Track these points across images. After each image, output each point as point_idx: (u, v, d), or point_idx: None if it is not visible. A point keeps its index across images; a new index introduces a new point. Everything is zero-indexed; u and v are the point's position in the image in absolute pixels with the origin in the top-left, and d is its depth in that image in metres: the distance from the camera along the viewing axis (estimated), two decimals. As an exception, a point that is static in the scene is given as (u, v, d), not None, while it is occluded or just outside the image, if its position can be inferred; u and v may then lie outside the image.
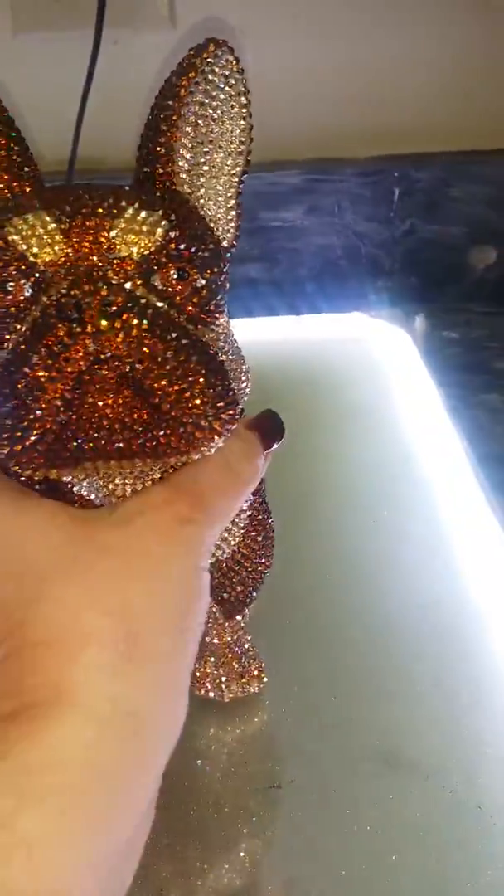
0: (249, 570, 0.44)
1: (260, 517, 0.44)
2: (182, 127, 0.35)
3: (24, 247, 0.31)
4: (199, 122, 0.36)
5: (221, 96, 0.36)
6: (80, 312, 0.29)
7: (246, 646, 0.51)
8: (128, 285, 0.31)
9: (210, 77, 0.35)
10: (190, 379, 0.31)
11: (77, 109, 0.81)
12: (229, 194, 0.38)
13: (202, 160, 0.37)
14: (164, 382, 0.30)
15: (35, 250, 0.31)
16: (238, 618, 0.49)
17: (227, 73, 0.36)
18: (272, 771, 0.46)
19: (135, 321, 0.30)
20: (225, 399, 0.32)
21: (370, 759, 0.47)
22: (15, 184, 0.35)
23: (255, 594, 0.47)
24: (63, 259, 0.31)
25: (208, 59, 0.35)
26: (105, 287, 0.30)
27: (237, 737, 0.49)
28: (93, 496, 0.34)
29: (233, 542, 0.43)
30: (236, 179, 0.38)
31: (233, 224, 0.38)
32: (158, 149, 0.36)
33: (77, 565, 0.29)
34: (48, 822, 0.24)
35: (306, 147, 0.90)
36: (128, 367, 0.30)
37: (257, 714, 0.50)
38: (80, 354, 0.29)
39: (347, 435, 0.74)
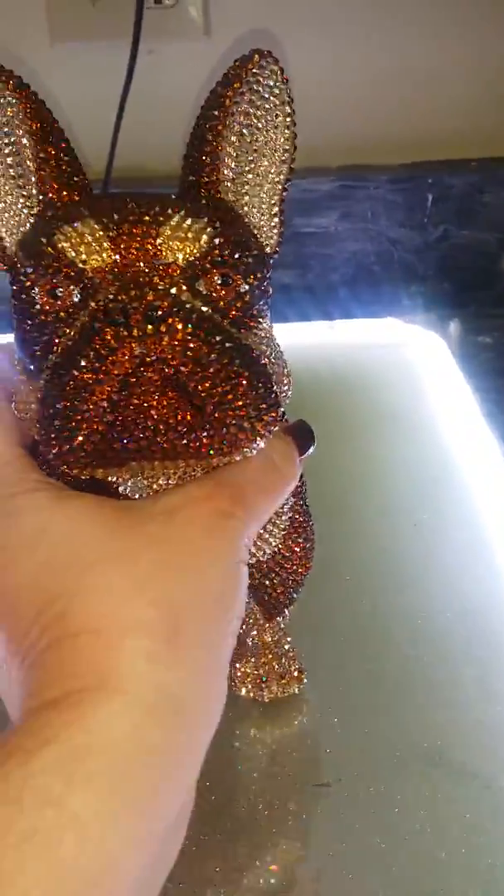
0: (290, 571, 0.45)
1: (300, 519, 0.44)
2: (227, 136, 0.36)
3: (73, 254, 0.32)
4: (244, 131, 0.37)
5: (266, 106, 0.36)
6: (126, 317, 0.30)
7: (286, 647, 0.51)
8: (173, 290, 0.31)
9: (255, 87, 0.36)
10: (233, 381, 0.31)
11: (114, 118, 0.83)
12: (273, 201, 0.38)
13: (247, 168, 0.37)
14: (207, 385, 0.31)
15: (84, 257, 0.32)
16: (279, 619, 0.49)
17: (271, 83, 0.36)
18: (318, 770, 0.46)
19: (179, 325, 0.30)
20: (267, 401, 0.32)
21: (416, 759, 0.47)
22: (65, 193, 0.36)
23: (295, 596, 0.47)
24: (110, 265, 0.32)
25: (253, 70, 0.35)
26: (151, 292, 0.30)
27: (278, 737, 0.49)
28: (136, 496, 0.35)
29: (273, 543, 0.43)
30: (280, 187, 0.38)
31: (276, 231, 0.39)
32: (204, 158, 0.36)
33: (123, 555, 0.30)
34: (97, 803, 0.25)
35: (340, 154, 0.90)
36: (172, 370, 0.30)
37: (298, 717, 0.50)
38: (127, 357, 0.30)
39: (384, 439, 0.74)
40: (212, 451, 0.32)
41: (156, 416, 0.31)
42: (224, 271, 0.33)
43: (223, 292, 0.33)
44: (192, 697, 0.29)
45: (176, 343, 0.30)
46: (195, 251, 0.32)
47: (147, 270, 0.32)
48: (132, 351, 0.30)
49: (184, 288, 0.32)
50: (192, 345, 0.30)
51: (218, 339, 0.31)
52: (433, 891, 0.41)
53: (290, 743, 0.48)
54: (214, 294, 0.33)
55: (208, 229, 0.33)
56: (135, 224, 0.32)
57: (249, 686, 0.51)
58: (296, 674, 0.51)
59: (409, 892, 0.41)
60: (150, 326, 0.30)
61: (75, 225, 0.32)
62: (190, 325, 0.30)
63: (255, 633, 0.50)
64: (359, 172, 0.90)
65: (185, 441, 0.31)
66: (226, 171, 0.37)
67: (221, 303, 0.33)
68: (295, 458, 0.36)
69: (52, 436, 0.31)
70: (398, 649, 0.53)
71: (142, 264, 0.32)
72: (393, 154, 0.90)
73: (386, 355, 0.87)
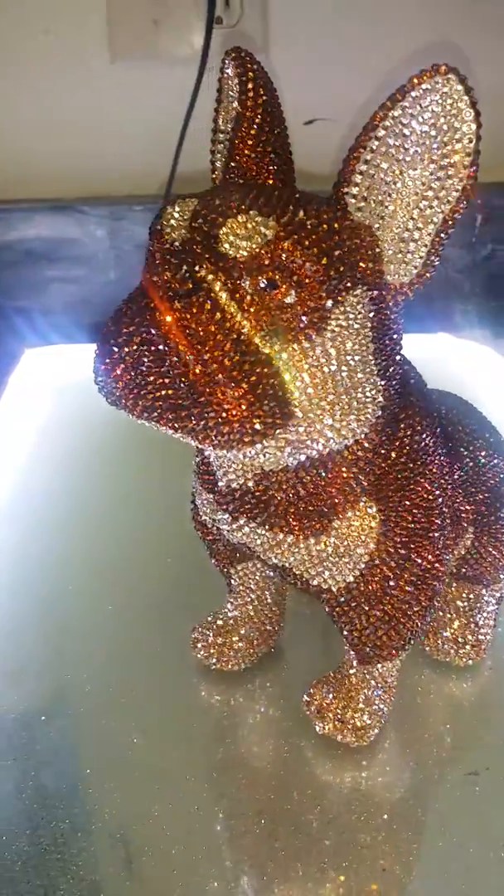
0: (364, 612, 0.41)
1: (386, 560, 0.40)
2: (370, 147, 0.34)
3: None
4: (392, 144, 0.34)
5: (425, 127, 0.33)
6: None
7: (371, 703, 0.45)
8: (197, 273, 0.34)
9: (421, 104, 0.32)
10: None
11: (169, 134, 0.83)
12: (418, 235, 0.35)
13: (383, 189, 0.34)
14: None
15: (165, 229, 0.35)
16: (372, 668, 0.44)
17: (443, 104, 0.32)
18: (467, 759, 0.46)
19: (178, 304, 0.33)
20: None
21: None
22: None
23: (380, 644, 0.42)
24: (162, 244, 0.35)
25: (424, 86, 0.32)
26: (167, 272, 0.34)
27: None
28: None
29: (346, 573, 0.40)
30: (432, 219, 0.35)
31: (413, 263, 0.36)
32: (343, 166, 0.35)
33: None
34: None
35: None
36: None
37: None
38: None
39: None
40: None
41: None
42: (271, 276, 0.32)
43: (259, 296, 0.33)
44: None
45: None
46: (250, 248, 0.32)
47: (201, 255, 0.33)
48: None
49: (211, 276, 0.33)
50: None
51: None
52: None
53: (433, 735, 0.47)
54: (251, 294, 0.33)
55: (268, 230, 0.32)
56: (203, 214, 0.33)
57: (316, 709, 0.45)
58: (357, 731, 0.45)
59: None
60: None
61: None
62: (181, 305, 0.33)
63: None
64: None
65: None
66: (356, 183, 0.34)
67: (253, 306, 0.33)
68: None
69: None
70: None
71: (199, 249, 0.33)
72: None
73: (438, 370, 0.87)
